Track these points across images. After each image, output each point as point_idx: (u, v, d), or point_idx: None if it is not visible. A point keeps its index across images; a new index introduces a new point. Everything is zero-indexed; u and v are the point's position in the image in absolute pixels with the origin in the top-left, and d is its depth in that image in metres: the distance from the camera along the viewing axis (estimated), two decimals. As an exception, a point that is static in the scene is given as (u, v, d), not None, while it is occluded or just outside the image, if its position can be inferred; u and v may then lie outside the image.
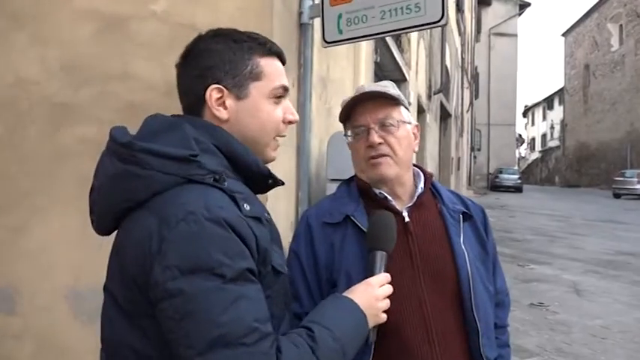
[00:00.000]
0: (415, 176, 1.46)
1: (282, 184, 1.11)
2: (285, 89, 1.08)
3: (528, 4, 36.34)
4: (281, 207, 2.21)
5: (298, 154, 2.39)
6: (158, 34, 2.07)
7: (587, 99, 36.04)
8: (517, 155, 55.26)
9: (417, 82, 6.81)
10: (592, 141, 34.72)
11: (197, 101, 1.03)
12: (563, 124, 40.41)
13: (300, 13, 2.37)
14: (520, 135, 57.33)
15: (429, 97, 8.09)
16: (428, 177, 1.45)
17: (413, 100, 6.34)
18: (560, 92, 44.16)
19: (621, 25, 32.28)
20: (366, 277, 1.13)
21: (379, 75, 5.43)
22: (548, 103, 49.91)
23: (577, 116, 37.45)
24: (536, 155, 52.30)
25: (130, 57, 2.11)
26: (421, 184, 1.43)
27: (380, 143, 1.35)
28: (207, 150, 0.96)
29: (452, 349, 1.32)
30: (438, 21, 2.01)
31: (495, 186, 30.77)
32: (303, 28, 2.39)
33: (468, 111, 20.52)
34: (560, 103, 44.47)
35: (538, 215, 16.53)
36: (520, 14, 35.95)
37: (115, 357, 0.96)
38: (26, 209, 2.13)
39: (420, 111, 7.42)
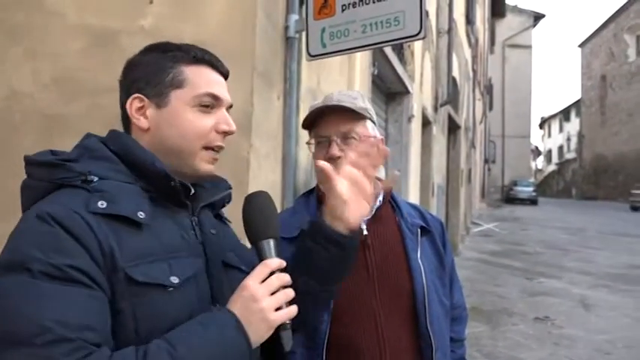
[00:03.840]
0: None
1: (191, 191, 1.02)
2: (215, 98, 1.02)
3: (543, 16, 36.20)
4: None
5: (283, 166, 2.43)
6: (146, 48, 2.14)
7: (605, 110, 35.61)
8: (533, 167, 54.75)
9: (422, 95, 6.81)
10: (609, 153, 34.26)
11: (125, 115, 1.04)
12: (580, 136, 39.94)
13: (287, 27, 2.42)
14: (536, 147, 56.79)
15: (436, 109, 8.10)
16: (387, 190, 1.44)
17: (417, 112, 6.35)
18: (576, 104, 43.72)
19: (638, 36, 31.97)
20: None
21: (381, 87, 5.46)
22: (564, 114, 49.41)
23: (594, 128, 37.00)
24: (552, 167, 51.68)
25: (120, 71, 2.16)
26: (380, 197, 1.42)
27: (339, 157, 1.34)
28: (98, 157, 0.96)
29: None
30: (417, 34, 2.04)
31: (510, 198, 30.57)
32: (289, 42, 2.43)
33: (481, 123, 20.41)
34: (577, 115, 44.00)
35: (551, 228, 16.33)
36: (534, 25, 35.82)
37: None
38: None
39: (426, 123, 7.41)
